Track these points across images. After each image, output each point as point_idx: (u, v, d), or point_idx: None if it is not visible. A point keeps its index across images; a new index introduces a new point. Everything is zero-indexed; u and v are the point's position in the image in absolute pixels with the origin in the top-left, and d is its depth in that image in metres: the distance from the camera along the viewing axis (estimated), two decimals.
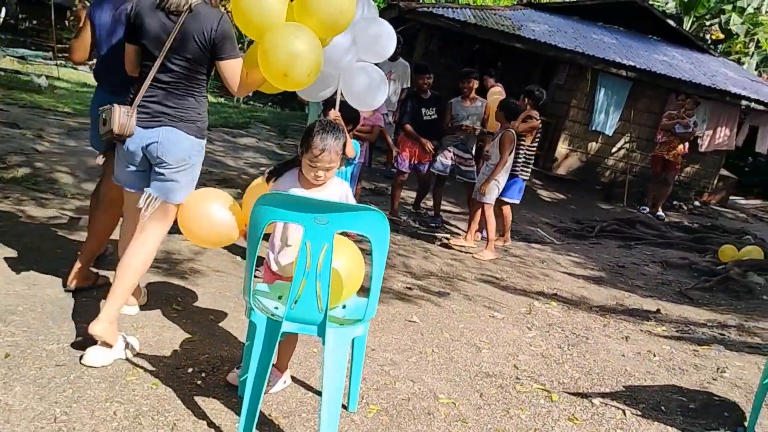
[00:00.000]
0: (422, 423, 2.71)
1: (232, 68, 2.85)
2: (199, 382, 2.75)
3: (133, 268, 2.85)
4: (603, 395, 3.22)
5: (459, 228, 7.36)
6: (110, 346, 2.77)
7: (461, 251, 6.29)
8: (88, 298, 3.41)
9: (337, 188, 2.63)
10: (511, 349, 3.74)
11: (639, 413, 3.06)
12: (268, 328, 2.29)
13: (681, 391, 3.35)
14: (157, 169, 2.87)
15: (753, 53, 16.32)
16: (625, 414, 3.03)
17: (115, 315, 2.81)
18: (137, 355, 2.89)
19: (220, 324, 3.44)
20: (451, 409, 2.87)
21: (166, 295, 3.70)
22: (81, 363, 2.70)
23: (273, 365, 2.79)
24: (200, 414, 2.50)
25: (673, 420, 3.03)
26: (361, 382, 2.92)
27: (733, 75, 12.35)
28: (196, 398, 2.61)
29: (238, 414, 2.50)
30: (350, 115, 4.50)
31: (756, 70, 15.39)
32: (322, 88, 4.10)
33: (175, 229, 5.12)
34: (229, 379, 2.78)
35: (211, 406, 2.57)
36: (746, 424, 2.96)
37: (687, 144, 10.44)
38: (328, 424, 2.26)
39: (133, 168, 2.92)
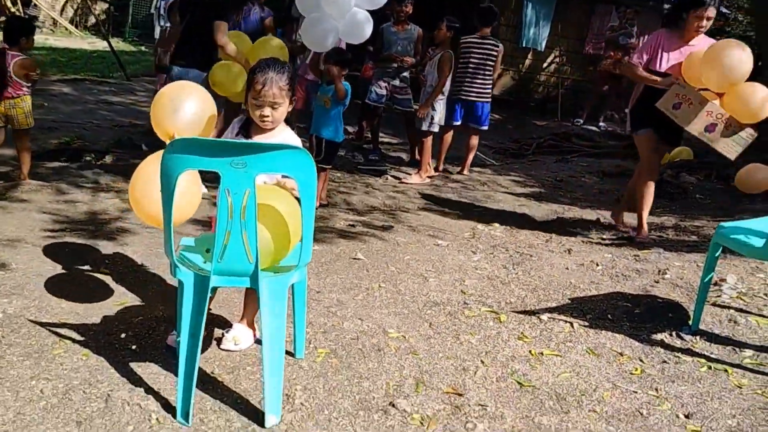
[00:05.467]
0: (372, 360, 2.64)
1: None
2: (134, 347, 2.60)
3: None
4: (550, 310, 3.23)
5: (400, 159, 7.25)
6: None
7: (406, 183, 6.21)
8: (1, 273, 3.18)
9: (286, 134, 2.49)
10: (457, 275, 3.71)
11: (586, 324, 3.08)
12: (196, 284, 2.14)
13: (625, 297, 3.40)
14: None
15: None
16: (573, 326, 3.05)
17: None
18: (65, 325, 2.71)
19: (154, 284, 3.26)
20: (401, 342, 2.82)
21: (93, 259, 3.48)
22: None
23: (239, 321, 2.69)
24: (136, 380, 2.35)
25: (620, 327, 3.07)
26: (307, 327, 2.83)
27: None
28: (132, 364, 2.46)
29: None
30: (340, 58, 4.88)
31: None
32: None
33: (99, 188, 4.86)
34: (169, 342, 2.64)
35: (148, 370, 2.43)
36: (690, 323, 3.02)
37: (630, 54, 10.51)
38: (272, 375, 2.16)
39: None
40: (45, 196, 4.58)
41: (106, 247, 3.68)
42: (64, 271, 3.29)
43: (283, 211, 2.16)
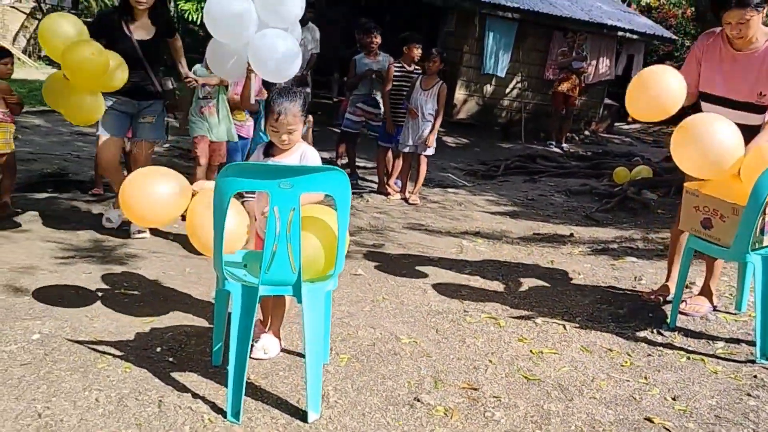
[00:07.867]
0: (391, 363, 2.90)
1: None
2: (171, 359, 2.79)
3: None
4: (543, 314, 3.54)
5: (376, 182, 7.53)
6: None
7: (386, 204, 6.51)
8: (26, 297, 3.33)
9: (306, 150, 2.74)
10: (453, 286, 4.00)
11: (577, 325, 3.40)
12: (244, 294, 2.37)
13: (608, 301, 3.74)
14: None
15: None
16: (565, 328, 3.36)
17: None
18: (102, 342, 2.88)
19: (175, 302, 3.45)
20: (414, 347, 3.08)
21: (111, 282, 3.65)
22: None
23: (264, 331, 2.89)
24: (181, 387, 2.55)
25: (607, 327, 3.40)
26: None
27: (607, 8, 13.08)
28: (173, 374, 2.66)
29: (218, 383, 2.59)
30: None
31: (623, 1, 16.34)
32: (228, 60, 4.12)
33: (95, 217, 4.99)
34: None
35: (189, 379, 2.63)
36: (668, 321, 3.36)
37: (583, 77, 11.14)
38: (313, 378, 2.39)
39: None
40: (44, 226, 4.70)
41: (119, 271, 3.85)
42: (86, 293, 3.45)
43: (321, 230, 2.41)
